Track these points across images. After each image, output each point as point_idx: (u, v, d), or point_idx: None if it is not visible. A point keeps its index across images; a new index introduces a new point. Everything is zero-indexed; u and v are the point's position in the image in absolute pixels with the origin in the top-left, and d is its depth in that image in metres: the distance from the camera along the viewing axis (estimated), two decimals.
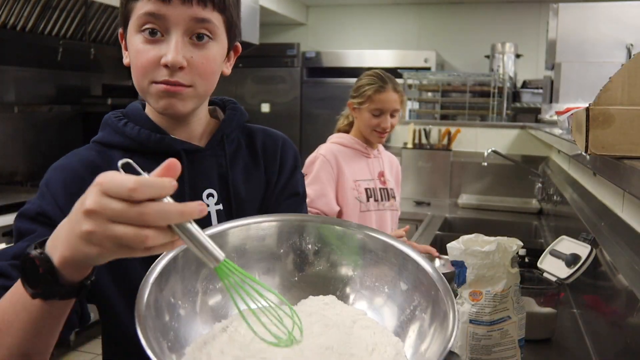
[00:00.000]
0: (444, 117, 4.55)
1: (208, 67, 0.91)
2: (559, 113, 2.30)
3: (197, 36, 0.89)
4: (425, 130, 4.01)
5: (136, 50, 0.89)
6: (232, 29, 0.97)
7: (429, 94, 4.81)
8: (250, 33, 4.53)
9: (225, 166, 1.01)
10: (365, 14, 6.46)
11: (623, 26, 3.37)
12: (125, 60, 0.94)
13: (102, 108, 4.37)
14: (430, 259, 2.07)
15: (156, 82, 0.88)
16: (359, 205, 2.06)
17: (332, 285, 0.82)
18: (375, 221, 2.09)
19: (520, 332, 1.31)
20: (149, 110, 0.99)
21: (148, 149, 0.95)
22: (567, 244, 1.69)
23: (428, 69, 5.55)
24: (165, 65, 0.86)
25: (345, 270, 0.83)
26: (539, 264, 1.72)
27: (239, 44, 1.03)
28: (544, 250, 1.78)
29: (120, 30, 0.96)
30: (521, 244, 1.32)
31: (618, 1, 3.43)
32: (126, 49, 0.94)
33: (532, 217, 3.44)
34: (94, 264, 0.64)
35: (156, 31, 0.87)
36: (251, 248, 0.81)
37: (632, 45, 3.33)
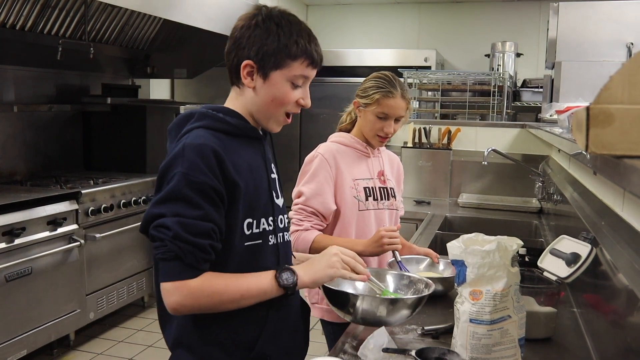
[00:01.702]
0: (444, 116, 4.54)
1: None
2: (559, 112, 2.30)
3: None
4: (425, 129, 4.01)
5: (284, 92, 1.31)
6: None
7: (429, 93, 4.81)
8: None
9: (272, 152, 1.45)
10: (365, 13, 6.46)
11: (623, 25, 3.36)
12: (250, 85, 1.30)
13: (101, 107, 4.37)
14: (430, 262, 2.04)
15: (286, 114, 1.35)
16: (357, 204, 2.05)
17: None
18: (373, 220, 2.08)
19: (520, 331, 1.31)
20: (239, 110, 1.35)
21: (242, 134, 1.33)
22: (567, 243, 1.69)
23: (428, 68, 5.55)
24: (300, 105, 1.35)
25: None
26: (539, 263, 1.72)
27: None
28: (544, 250, 1.78)
29: (251, 62, 1.28)
30: (521, 243, 1.32)
31: (618, 0, 3.43)
32: (251, 77, 1.30)
33: (532, 216, 3.44)
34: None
35: (299, 85, 1.33)
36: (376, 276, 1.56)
37: (632, 44, 3.33)
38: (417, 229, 3.09)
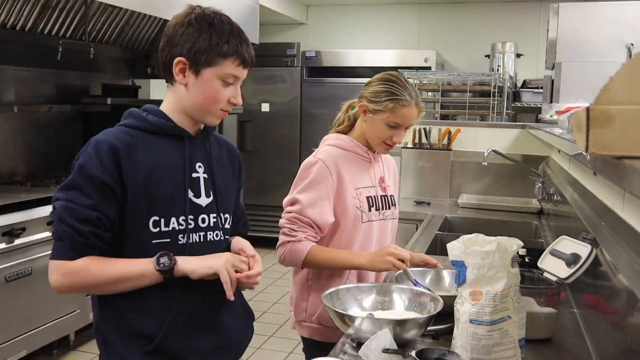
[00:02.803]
0: (444, 116, 4.54)
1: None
2: (559, 113, 2.30)
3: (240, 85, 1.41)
4: (425, 129, 4.01)
5: (215, 90, 1.35)
6: None
7: (429, 93, 4.81)
8: (250, 33, 4.52)
9: (209, 151, 1.45)
10: (365, 13, 6.46)
11: (623, 26, 3.37)
12: (182, 82, 1.35)
13: (101, 108, 4.37)
14: (435, 275, 1.86)
15: (222, 110, 1.39)
16: (360, 216, 1.87)
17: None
18: (376, 232, 1.92)
19: (520, 331, 1.31)
20: (165, 109, 1.40)
21: (161, 132, 1.37)
22: (567, 244, 1.69)
23: (428, 68, 5.55)
24: (232, 103, 1.39)
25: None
26: (539, 264, 1.72)
27: None
28: (544, 250, 1.78)
29: (183, 59, 1.33)
30: (521, 243, 1.32)
31: (618, 1, 3.43)
32: (183, 74, 1.34)
33: (532, 216, 3.43)
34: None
35: (230, 83, 1.37)
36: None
37: (632, 44, 3.33)
38: (417, 230, 3.09)
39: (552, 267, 1.65)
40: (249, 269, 1.38)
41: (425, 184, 3.96)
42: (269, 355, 3.65)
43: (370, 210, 1.90)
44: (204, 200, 1.40)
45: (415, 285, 1.69)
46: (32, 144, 4.10)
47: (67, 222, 1.27)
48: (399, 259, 1.73)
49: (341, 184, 1.85)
